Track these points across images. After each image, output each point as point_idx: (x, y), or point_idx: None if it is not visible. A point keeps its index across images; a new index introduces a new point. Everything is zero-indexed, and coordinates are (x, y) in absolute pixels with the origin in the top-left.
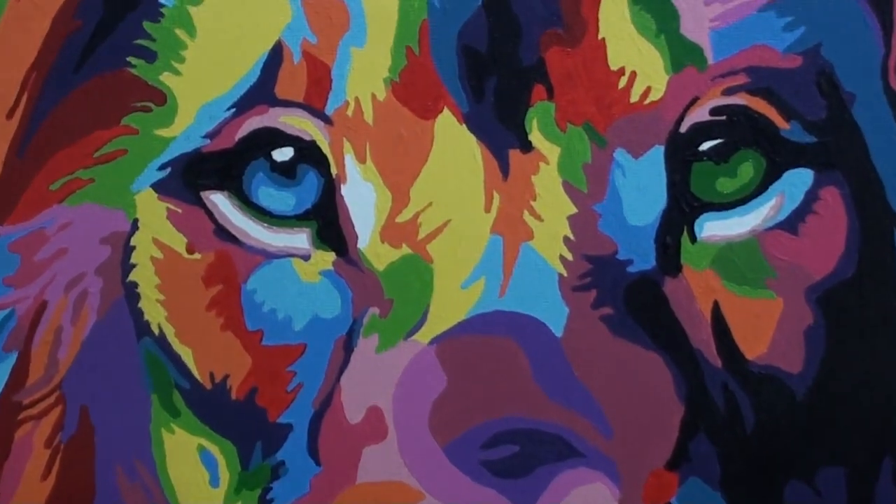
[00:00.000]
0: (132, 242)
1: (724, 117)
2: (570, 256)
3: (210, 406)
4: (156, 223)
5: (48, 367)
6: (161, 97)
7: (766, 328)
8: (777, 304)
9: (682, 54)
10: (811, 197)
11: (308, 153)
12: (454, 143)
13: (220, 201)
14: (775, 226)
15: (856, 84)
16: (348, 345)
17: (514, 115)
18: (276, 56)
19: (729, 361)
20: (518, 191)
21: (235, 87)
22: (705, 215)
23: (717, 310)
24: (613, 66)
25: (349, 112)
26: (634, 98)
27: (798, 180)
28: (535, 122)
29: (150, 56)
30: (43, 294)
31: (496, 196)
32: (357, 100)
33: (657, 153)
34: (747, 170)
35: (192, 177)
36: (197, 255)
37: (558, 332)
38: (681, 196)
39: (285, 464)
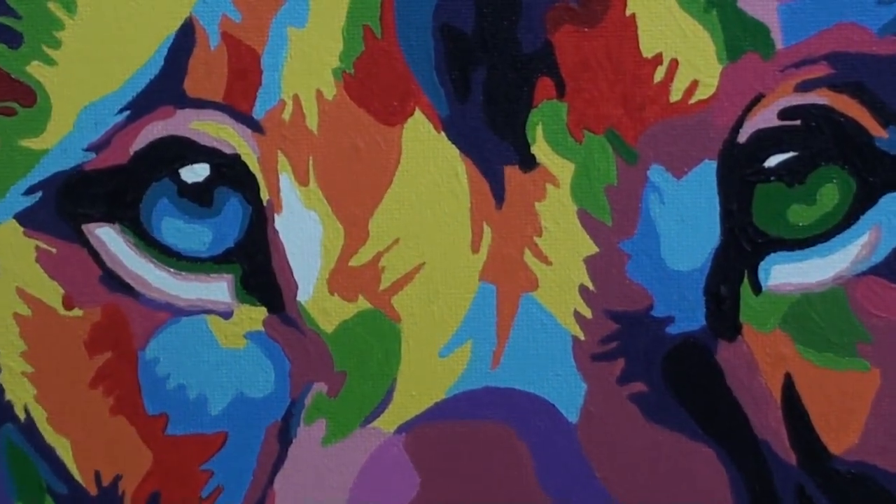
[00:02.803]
0: None
1: (798, 122)
2: (588, 313)
3: None
4: (21, 268)
5: None
6: (28, 95)
7: (858, 411)
8: (872, 377)
9: (740, 36)
10: None
11: (229, 172)
12: (429, 158)
13: (108, 237)
14: (869, 270)
15: None
16: (284, 435)
17: (512, 120)
18: (185, 40)
19: (807, 457)
20: (517, 223)
21: (130, 82)
22: (773, 256)
23: (789, 386)
24: (647, 53)
25: (286, 116)
26: (675, 96)
27: None
28: (539, 129)
29: (13, 39)
30: None
31: (487, 230)
32: (297, 99)
33: (707, 171)
34: (830, 194)
35: (70, 204)
36: (77, 312)
37: (572, 417)
38: (740, 230)
39: None
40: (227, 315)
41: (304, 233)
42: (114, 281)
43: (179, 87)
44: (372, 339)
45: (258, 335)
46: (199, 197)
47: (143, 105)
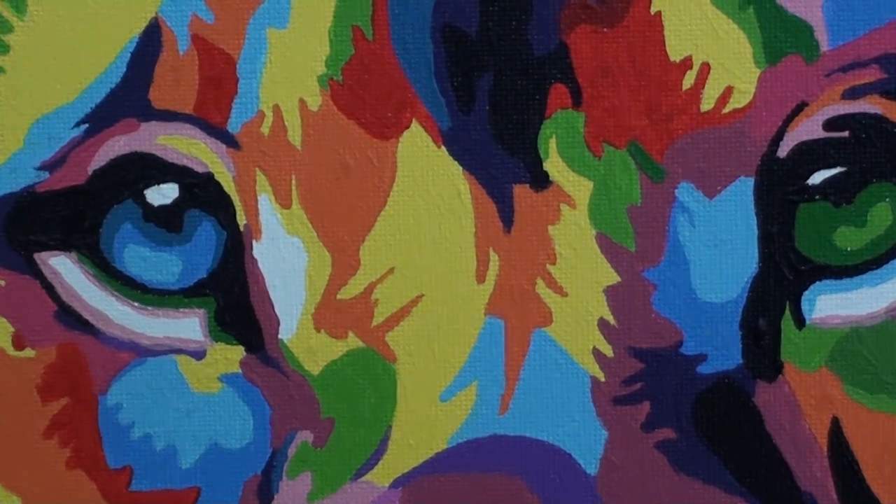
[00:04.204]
0: None
1: (846, 133)
2: (608, 351)
3: None
4: None
5: None
6: None
7: None
8: None
9: (780, 36)
10: None
11: (201, 193)
12: (428, 176)
13: (64, 267)
14: None
15: None
16: (265, 490)
17: (522, 133)
18: (150, 43)
19: None
20: (528, 249)
21: (88, 92)
22: (818, 285)
23: (837, 431)
24: (675, 56)
25: (265, 129)
26: (707, 105)
27: None
28: (553, 143)
29: None
30: None
31: (494, 257)
32: (277, 110)
33: (743, 190)
34: (883, 214)
35: (21, 230)
36: (29, 352)
37: (591, 469)
38: (781, 256)
39: None
40: (199, 355)
41: (286, 262)
42: (70, 317)
43: (144, 97)
44: (364, 382)
45: (235, 378)
46: (168, 221)
47: (102, 118)
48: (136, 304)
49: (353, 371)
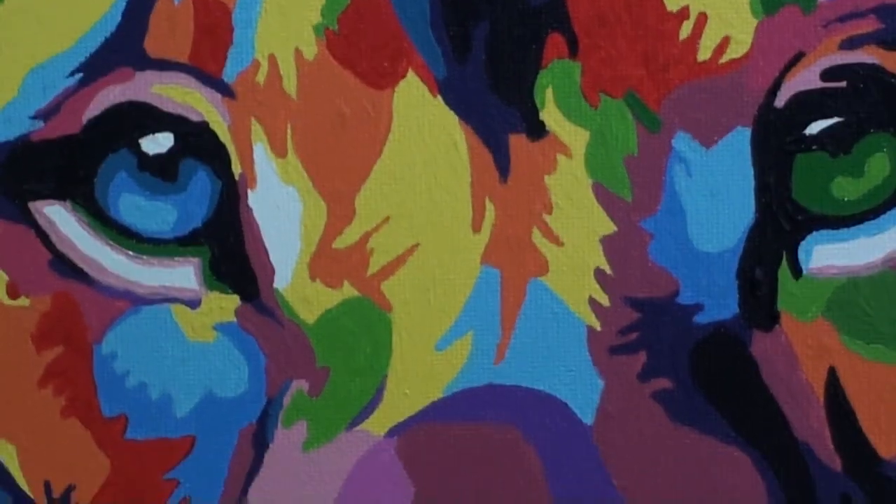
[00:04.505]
0: None
1: (843, 83)
2: (605, 300)
3: None
4: None
5: None
6: None
7: None
8: None
9: None
10: None
11: (196, 142)
12: (424, 126)
13: (59, 216)
14: None
15: None
16: (260, 439)
17: (518, 82)
18: None
19: (853, 462)
20: (524, 199)
21: (82, 41)
22: (815, 235)
23: (833, 381)
24: (671, 6)
25: (260, 78)
26: (704, 55)
27: None
28: (549, 93)
29: None
30: None
31: (490, 207)
32: (272, 59)
33: (740, 140)
34: (880, 164)
35: (15, 179)
36: (24, 301)
37: (587, 418)
38: (777, 206)
39: None
40: (194, 304)
41: (281, 211)
42: (65, 266)
43: (139, 46)
44: (359, 331)
45: (229, 326)
46: (162, 170)
47: (97, 67)
48: (130, 252)
49: (348, 320)
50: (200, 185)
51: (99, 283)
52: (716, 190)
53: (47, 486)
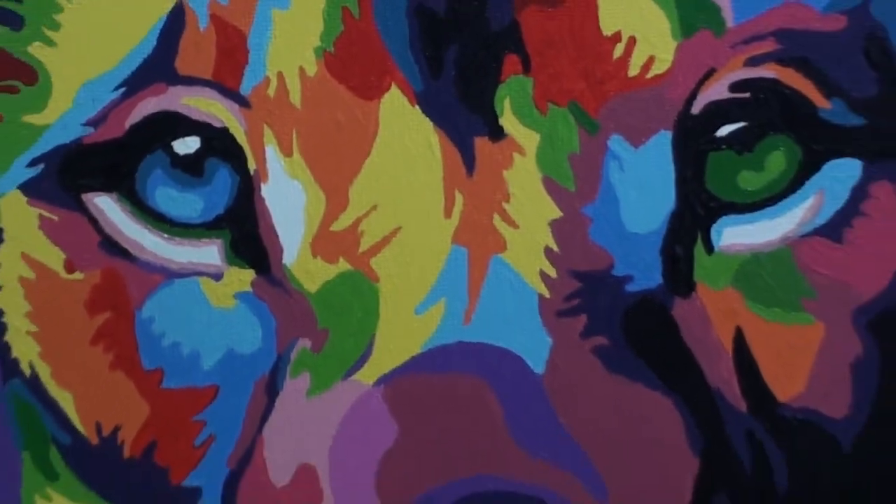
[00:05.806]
0: None
1: (747, 94)
2: (553, 273)
3: (97, 466)
4: (25, 234)
5: None
6: (30, 74)
7: (803, 362)
8: (816, 330)
9: (693, 14)
10: (859, 194)
11: (218, 144)
12: (405, 130)
13: (106, 206)
14: (813, 231)
15: None
16: (272, 387)
17: (481, 94)
18: (176, 21)
19: (756, 404)
20: (486, 190)
21: (125, 61)
22: (724, 219)
23: (740, 339)
24: (607, 31)
25: (271, 91)
26: (634, 71)
27: (842, 174)
28: (507, 103)
29: (15, 22)
30: None
31: (459, 197)
32: (281, 76)
33: (663, 141)
34: (777, 161)
35: (70, 175)
36: (78, 275)
37: (539, 369)
38: (693, 195)
39: None
40: (217, 277)
41: (288, 200)
42: (112, 246)
43: (171, 65)
44: (352, 298)
45: (247, 295)
46: (191, 168)
47: (137, 82)
48: (165, 235)
49: (343, 290)
50: (222, 180)
51: (139, 260)
52: (643, 182)
53: (98, 427)
